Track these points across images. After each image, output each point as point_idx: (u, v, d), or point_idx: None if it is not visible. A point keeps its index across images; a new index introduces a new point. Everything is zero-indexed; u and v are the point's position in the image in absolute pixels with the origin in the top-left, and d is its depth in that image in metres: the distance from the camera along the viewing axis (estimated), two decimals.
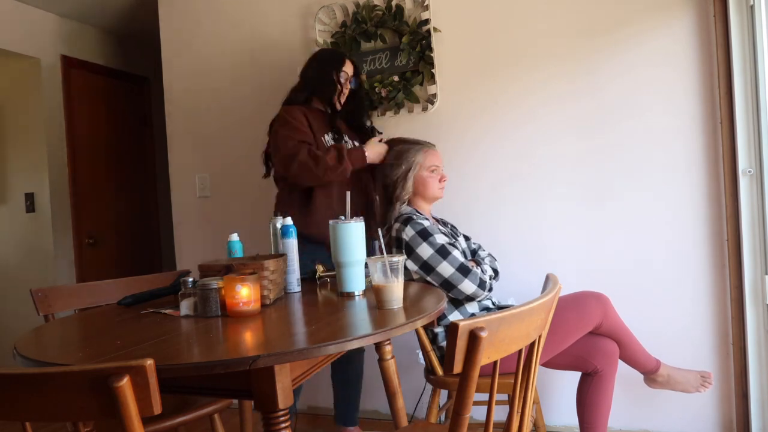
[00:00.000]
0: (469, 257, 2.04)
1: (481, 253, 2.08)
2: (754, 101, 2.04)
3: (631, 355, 1.96)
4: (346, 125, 2.31)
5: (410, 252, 1.86)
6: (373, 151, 2.11)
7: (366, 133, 2.34)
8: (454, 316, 1.88)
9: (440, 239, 1.86)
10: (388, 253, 1.92)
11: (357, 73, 2.31)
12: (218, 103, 2.94)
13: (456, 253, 1.84)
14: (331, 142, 2.17)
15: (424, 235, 1.85)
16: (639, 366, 1.98)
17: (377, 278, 1.34)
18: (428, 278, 1.85)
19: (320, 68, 2.22)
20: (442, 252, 1.83)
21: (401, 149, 2.06)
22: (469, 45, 2.47)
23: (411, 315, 1.27)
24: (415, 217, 1.90)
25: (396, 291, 1.33)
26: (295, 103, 2.21)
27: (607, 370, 1.87)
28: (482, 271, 1.88)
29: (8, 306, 3.45)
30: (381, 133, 2.38)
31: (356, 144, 2.23)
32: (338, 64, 2.22)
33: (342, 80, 2.21)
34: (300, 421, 2.65)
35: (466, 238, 2.15)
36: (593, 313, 1.87)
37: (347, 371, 2.33)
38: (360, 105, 2.36)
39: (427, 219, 1.92)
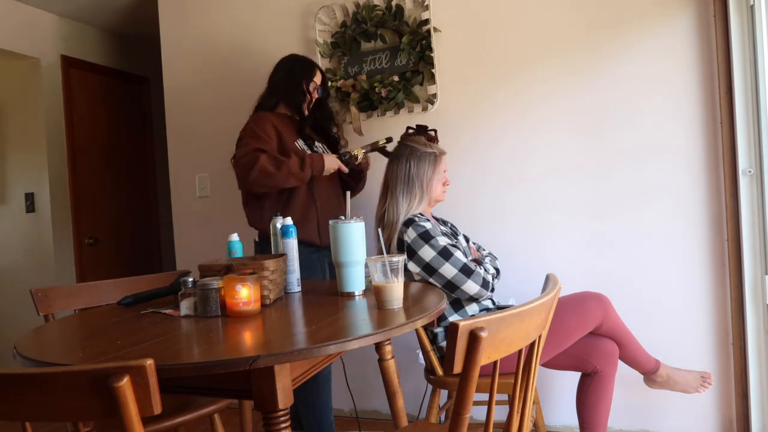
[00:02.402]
0: (470, 256, 2.04)
1: (482, 252, 2.08)
2: (754, 101, 2.04)
3: (631, 356, 1.96)
4: (313, 132, 2.34)
5: (412, 254, 1.86)
6: (330, 163, 2.14)
7: (332, 140, 2.40)
8: (454, 318, 1.88)
9: (442, 241, 1.85)
10: (387, 253, 1.93)
11: (325, 82, 2.36)
12: (218, 103, 2.94)
13: (458, 254, 1.84)
14: (304, 147, 2.21)
15: (426, 237, 1.85)
16: (639, 366, 1.98)
17: (377, 278, 1.34)
18: (431, 280, 1.85)
19: (290, 77, 2.26)
20: (445, 254, 1.83)
21: (422, 152, 1.99)
22: (469, 45, 2.47)
23: (411, 315, 1.27)
24: (416, 219, 1.90)
25: (396, 291, 1.33)
26: (265, 109, 2.25)
27: (607, 371, 1.87)
28: (484, 270, 1.88)
29: (8, 306, 3.45)
30: (346, 142, 2.53)
31: (323, 149, 2.30)
32: (309, 74, 2.26)
33: (311, 90, 2.26)
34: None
35: (466, 239, 2.15)
36: (594, 314, 1.87)
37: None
38: (327, 113, 2.40)
39: (428, 220, 1.92)
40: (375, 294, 1.35)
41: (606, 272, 2.29)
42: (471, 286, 1.82)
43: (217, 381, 1.10)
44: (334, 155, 2.20)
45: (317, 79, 2.29)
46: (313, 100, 2.28)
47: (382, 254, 1.66)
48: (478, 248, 2.12)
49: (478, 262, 1.94)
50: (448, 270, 1.82)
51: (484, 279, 1.84)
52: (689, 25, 2.17)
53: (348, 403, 2.55)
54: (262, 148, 2.08)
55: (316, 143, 2.29)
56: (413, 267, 1.87)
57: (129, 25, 3.81)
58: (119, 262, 3.86)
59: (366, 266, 1.57)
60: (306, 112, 2.27)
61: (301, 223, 2.07)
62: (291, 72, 2.27)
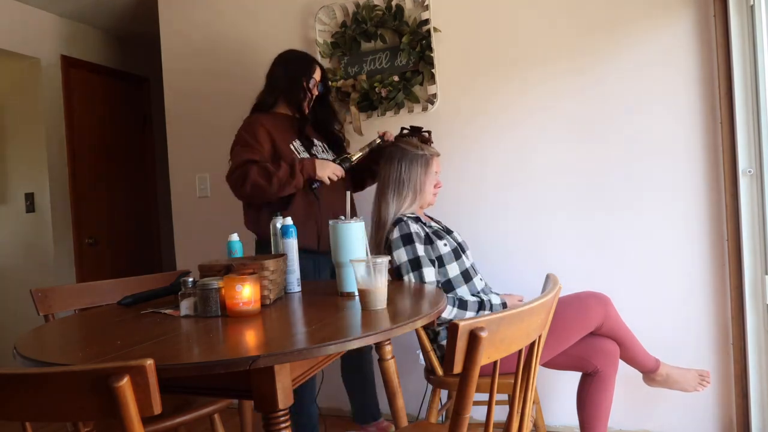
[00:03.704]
0: (466, 248, 2.04)
1: (487, 297, 1.96)
2: (754, 101, 2.04)
3: (631, 356, 1.96)
4: (314, 131, 2.29)
5: (390, 252, 1.88)
6: (324, 171, 2.07)
7: (336, 139, 2.34)
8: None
9: (418, 251, 1.85)
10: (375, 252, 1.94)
11: (325, 78, 2.30)
12: (218, 102, 2.94)
13: (427, 272, 1.82)
14: (302, 149, 2.16)
15: (406, 240, 1.86)
16: (639, 365, 1.98)
17: (360, 279, 1.34)
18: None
19: (289, 74, 2.20)
20: (412, 264, 1.83)
21: (414, 154, 2.00)
22: (469, 45, 2.47)
23: (411, 315, 1.27)
24: (405, 219, 1.91)
25: (380, 292, 1.33)
26: (263, 108, 2.21)
27: (607, 371, 1.87)
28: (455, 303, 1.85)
29: (8, 306, 3.45)
30: (348, 142, 2.43)
31: (323, 148, 2.26)
32: (308, 71, 2.21)
33: (311, 87, 2.21)
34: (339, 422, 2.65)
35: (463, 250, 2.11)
36: (594, 314, 1.87)
37: (356, 378, 2.35)
38: (329, 111, 2.35)
39: (417, 222, 1.93)
40: (359, 295, 1.36)
41: (606, 272, 2.29)
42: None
43: (217, 381, 1.10)
44: (330, 161, 2.14)
45: (317, 75, 2.23)
46: (313, 97, 2.24)
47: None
48: (483, 290, 2.01)
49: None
50: (410, 281, 1.84)
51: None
52: (689, 25, 2.17)
53: (348, 403, 2.54)
54: (253, 159, 2.04)
55: (316, 143, 2.25)
56: (393, 263, 1.89)
57: (129, 25, 3.81)
58: (119, 262, 3.85)
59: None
60: (306, 110, 2.23)
61: (299, 228, 1.99)
62: (289, 69, 2.21)
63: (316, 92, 2.24)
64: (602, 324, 1.88)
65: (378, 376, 1.79)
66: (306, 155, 2.17)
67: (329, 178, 2.08)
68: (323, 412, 2.68)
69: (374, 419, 2.36)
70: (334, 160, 2.16)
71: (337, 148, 2.35)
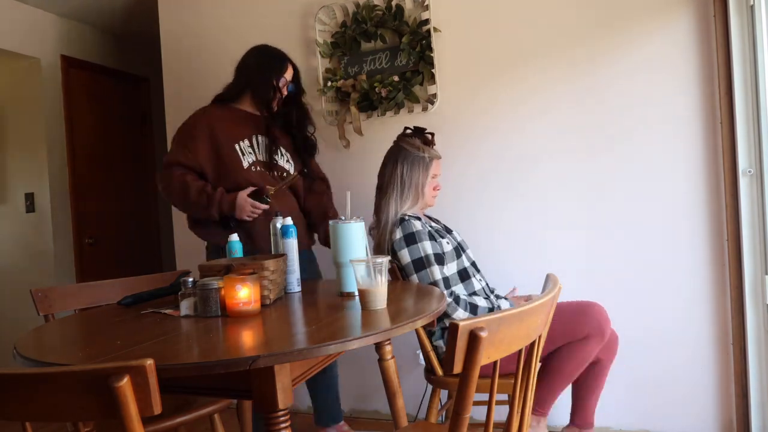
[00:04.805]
0: (465, 247, 2.04)
1: (489, 301, 1.98)
2: (754, 101, 2.04)
3: (584, 398, 1.97)
4: (284, 132, 2.22)
5: (394, 253, 1.88)
6: (242, 212, 1.99)
7: (306, 145, 2.25)
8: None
9: (424, 249, 1.85)
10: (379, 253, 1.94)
11: (297, 78, 2.22)
12: None
13: (434, 270, 1.82)
14: (249, 150, 2.11)
15: (410, 240, 1.86)
16: (579, 411, 1.99)
17: (360, 279, 1.34)
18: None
19: (259, 70, 2.13)
20: (418, 265, 1.83)
21: (415, 155, 2.00)
22: (469, 45, 2.47)
23: (411, 315, 1.27)
24: (407, 219, 1.91)
25: (380, 293, 1.33)
26: (223, 100, 2.18)
27: (604, 360, 1.89)
28: (452, 308, 1.84)
29: (8, 306, 3.45)
30: (318, 150, 2.32)
31: (289, 156, 2.21)
32: (279, 69, 2.14)
33: (281, 85, 2.14)
34: (300, 421, 2.65)
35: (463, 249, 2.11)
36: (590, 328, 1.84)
37: (320, 378, 2.25)
38: (303, 112, 2.25)
39: (419, 220, 1.93)
40: (359, 295, 1.36)
41: (606, 272, 2.29)
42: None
43: (217, 381, 1.11)
44: (248, 197, 2.01)
45: (288, 74, 2.15)
46: (282, 96, 2.16)
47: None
48: (485, 288, 2.03)
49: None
50: (416, 281, 1.84)
51: (449, 304, 1.81)
52: (689, 25, 2.17)
53: (348, 403, 2.55)
54: (182, 162, 2.04)
55: (282, 151, 2.18)
56: (398, 264, 1.89)
57: (129, 25, 3.81)
58: (119, 262, 3.85)
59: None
60: (275, 110, 2.15)
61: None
62: (260, 64, 2.13)
63: (285, 92, 2.16)
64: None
65: (377, 375, 1.78)
66: (251, 156, 2.10)
67: (249, 216, 2.02)
68: (303, 409, 2.69)
69: (334, 422, 2.28)
70: (253, 194, 2.03)
71: (306, 154, 2.26)
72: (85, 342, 1.29)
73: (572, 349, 1.81)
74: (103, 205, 3.78)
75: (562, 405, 2.35)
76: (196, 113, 2.16)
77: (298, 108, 2.24)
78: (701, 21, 2.15)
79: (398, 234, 1.88)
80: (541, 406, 1.86)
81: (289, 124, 2.23)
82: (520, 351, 1.01)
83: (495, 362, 0.95)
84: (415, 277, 1.83)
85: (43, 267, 3.42)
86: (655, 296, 2.24)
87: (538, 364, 1.37)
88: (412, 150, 2.00)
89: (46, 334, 1.37)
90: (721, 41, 2.09)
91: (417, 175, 1.98)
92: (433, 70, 2.46)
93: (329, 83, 2.62)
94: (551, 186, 2.37)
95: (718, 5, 2.09)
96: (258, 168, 2.12)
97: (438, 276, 1.83)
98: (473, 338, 0.86)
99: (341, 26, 2.64)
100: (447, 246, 1.91)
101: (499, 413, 1.89)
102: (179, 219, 3.08)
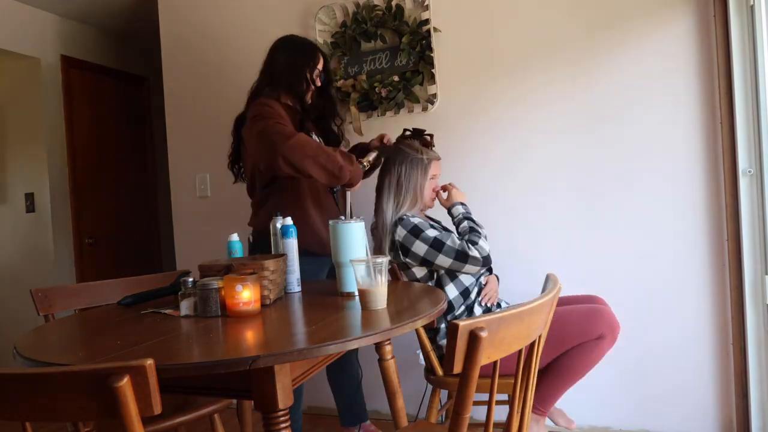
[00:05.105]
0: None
1: (466, 224, 1.98)
2: (754, 101, 2.04)
3: (552, 383, 1.84)
4: (314, 126, 2.13)
5: (406, 252, 1.88)
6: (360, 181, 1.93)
7: (334, 138, 2.19)
8: (449, 289, 1.91)
9: (432, 233, 1.87)
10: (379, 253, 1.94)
11: (327, 67, 2.13)
12: (218, 102, 2.94)
13: (450, 241, 1.85)
14: None
15: (416, 232, 1.88)
16: (542, 394, 1.84)
17: (360, 279, 1.34)
18: (434, 269, 1.89)
19: (291, 62, 2.02)
20: (436, 245, 1.85)
21: (414, 157, 2.00)
22: (469, 45, 2.47)
23: (411, 315, 1.27)
24: (405, 216, 1.92)
25: (379, 293, 1.33)
26: (269, 95, 2.00)
27: (608, 337, 1.81)
28: (479, 249, 1.86)
29: (8, 306, 3.45)
30: (348, 141, 2.31)
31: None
32: (312, 61, 2.04)
33: (314, 78, 2.04)
34: (326, 422, 2.65)
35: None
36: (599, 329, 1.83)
37: (341, 378, 2.27)
38: (330, 105, 2.17)
39: (416, 216, 1.94)
40: (359, 295, 1.36)
41: (606, 272, 2.29)
42: (470, 269, 1.86)
43: (217, 381, 1.11)
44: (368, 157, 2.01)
45: (320, 65, 2.07)
46: (315, 88, 2.08)
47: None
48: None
49: (473, 241, 1.88)
50: (444, 260, 1.85)
51: (482, 258, 1.85)
52: (689, 25, 2.17)
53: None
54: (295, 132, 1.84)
55: (315, 137, 2.09)
56: (412, 263, 1.88)
57: (129, 25, 3.81)
58: (119, 262, 3.86)
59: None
60: (308, 102, 2.07)
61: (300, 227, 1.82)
62: (292, 59, 2.03)
63: (318, 83, 2.07)
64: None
65: (377, 375, 1.78)
66: None
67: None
68: (311, 411, 2.69)
69: (360, 421, 2.27)
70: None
71: (333, 144, 2.17)
72: (85, 342, 1.29)
73: (586, 349, 1.80)
74: (103, 205, 3.79)
75: (562, 404, 2.36)
76: (267, 102, 1.92)
77: (327, 99, 2.16)
78: (701, 21, 2.15)
79: (401, 232, 1.89)
80: (542, 405, 1.85)
81: (321, 117, 2.15)
82: (520, 351, 1.01)
83: (495, 362, 0.95)
84: (442, 257, 1.84)
85: (43, 267, 3.42)
86: (655, 296, 2.24)
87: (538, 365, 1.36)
88: (410, 152, 2.01)
89: (46, 334, 1.37)
90: (721, 41, 2.09)
91: (415, 177, 1.98)
92: (433, 70, 2.46)
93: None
94: (551, 185, 2.37)
95: (718, 5, 2.09)
96: None
97: (456, 244, 1.84)
98: (473, 338, 0.86)
99: (341, 26, 2.64)
100: None
101: (499, 413, 1.89)
102: (179, 219, 3.08)
